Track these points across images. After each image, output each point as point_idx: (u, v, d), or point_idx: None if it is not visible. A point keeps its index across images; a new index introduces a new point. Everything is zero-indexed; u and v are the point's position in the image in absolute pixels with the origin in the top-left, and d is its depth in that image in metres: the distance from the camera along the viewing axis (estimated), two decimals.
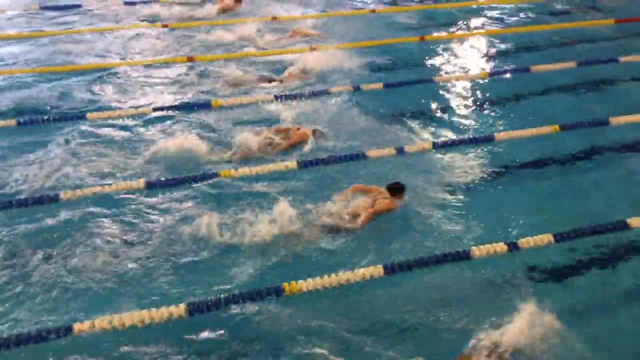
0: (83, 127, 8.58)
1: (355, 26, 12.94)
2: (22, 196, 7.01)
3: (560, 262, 6.26)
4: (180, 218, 6.74)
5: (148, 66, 10.85)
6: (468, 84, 10.53)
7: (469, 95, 10.18)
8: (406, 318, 5.49)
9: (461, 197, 7.22)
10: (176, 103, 9.41)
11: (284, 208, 6.59)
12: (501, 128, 8.95)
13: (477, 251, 6.21)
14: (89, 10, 13.96)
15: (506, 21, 13.93)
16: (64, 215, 6.71)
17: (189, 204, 6.98)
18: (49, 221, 6.60)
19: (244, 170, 7.57)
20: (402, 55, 11.58)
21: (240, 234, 6.43)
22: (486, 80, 10.67)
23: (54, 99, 9.47)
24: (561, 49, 12.11)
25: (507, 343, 5.02)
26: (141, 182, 7.25)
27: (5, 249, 6.21)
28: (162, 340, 5.20)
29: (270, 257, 6.17)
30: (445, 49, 12.23)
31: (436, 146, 8.31)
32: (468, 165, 7.94)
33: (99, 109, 9.18)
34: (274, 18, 13.62)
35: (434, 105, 9.71)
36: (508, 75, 10.90)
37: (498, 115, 9.47)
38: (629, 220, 6.74)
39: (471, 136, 8.66)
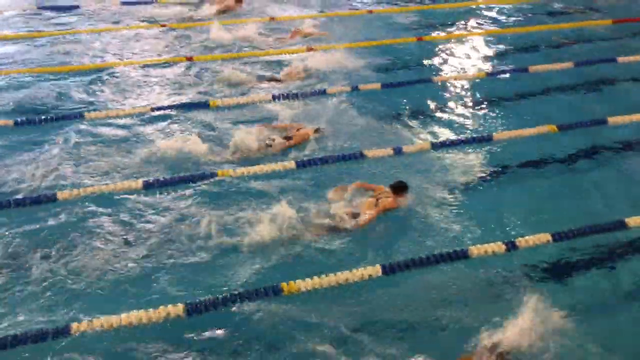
0: (81, 127, 8.57)
1: (353, 26, 12.94)
2: (20, 196, 7.00)
3: (558, 261, 6.26)
4: (178, 218, 6.73)
5: (146, 66, 10.84)
6: (466, 84, 10.53)
7: (467, 95, 10.18)
8: (404, 318, 5.49)
9: (459, 196, 7.22)
10: (174, 103, 9.41)
11: (282, 208, 6.58)
12: (499, 128, 8.95)
13: (475, 250, 6.22)
14: (87, 10, 13.94)
15: (504, 21, 13.94)
16: (61, 215, 6.70)
17: (187, 203, 6.97)
18: (47, 221, 6.60)
19: (242, 170, 7.57)
20: (400, 56, 11.58)
21: (239, 233, 6.43)
22: (484, 80, 10.67)
23: (52, 99, 9.46)
24: (559, 49, 12.13)
25: (507, 343, 5.02)
26: (139, 182, 7.25)
27: (3, 248, 6.20)
28: (160, 340, 5.20)
29: (268, 256, 6.16)
30: (443, 49, 12.23)
31: (434, 146, 8.31)
32: (466, 165, 7.94)
33: (97, 109, 9.17)
34: (272, 18, 13.62)
35: (432, 106, 9.72)
36: (506, 75, 10.90)
37: (496, 115, 9.47)
38: (627, 220, 6.75)
39: (469, 136, 8.66)
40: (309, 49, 11.64)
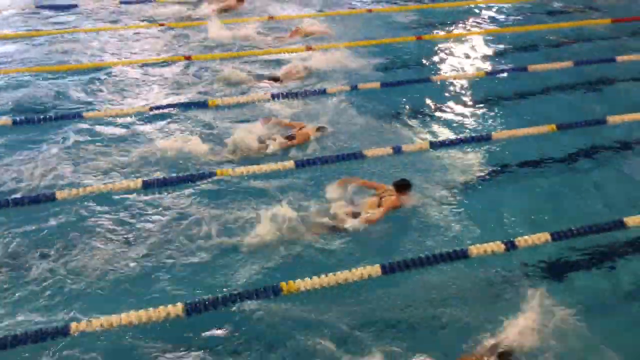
0: (80, 127, 8.56)
1: (353, 26, 12.92)
2: (19, 195, 6.98)
3: (557, 261, 6.27)
4: (178, 217, 6.72)
5: (145, 65, 10.82)
6: (465, 83, 10.53)
7: (466, 94, 10.18)
8: (404, 317, 5.50)
9: (458, 196, 7.22)
10: (173, 102, 9.39)
11: (281, 207, 6.58)
12: (498, 127, 8.95)
13: (475, 250, 6.22)
14: (85, 9, 13.92)
15: (503, 20, 13.93)
16: (60, 214, 6.69)
17: (186, 203, 6.97)
18: (46, 221, 6.59)
19: (241, 170, 7.56)
20: (399, 55, 11.57)
21: (238, 233, 6.42)
22: (483, 80, 10.67)
23: (51, 98, 9.44)
24: (558, 48, 12.12)
25: (506, 342, 5.02)
26: (138, 182, 7.24)
27: (2, 248, 6.19)
28: (159, 340, 5.20)
29: (268, 256, 6.16)
30: (442, 48, 12.23)
31: (433, 145, 8.31)
32: (465, 165, 7.95)
33: (96, 109, 9.15)
34: (271, 17, 13.60)
35: (431, 105, 9.71)
36: (505, 75, 10.90)
37: (495, 114, 9.48)
38: (625, 219, 6.75)
39: (468, 135, 8.66)
40: (308, 48, 11.63)
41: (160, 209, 6.87)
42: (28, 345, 5.05)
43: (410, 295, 5.75)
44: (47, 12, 13.75)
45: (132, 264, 6.02)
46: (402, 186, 6.91)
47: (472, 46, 12.30)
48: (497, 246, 6.29)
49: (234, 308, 5.49)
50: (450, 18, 13.98)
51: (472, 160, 8.08)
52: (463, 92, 10.26)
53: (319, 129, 8.37)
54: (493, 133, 8.68)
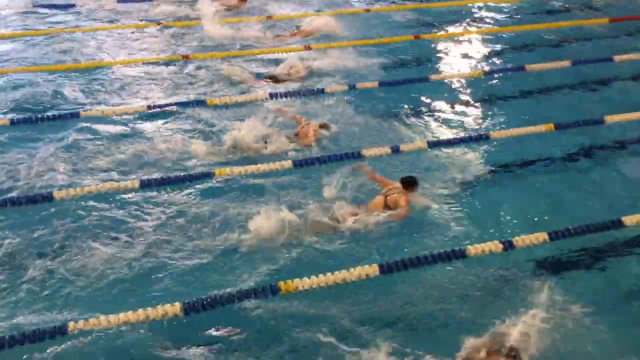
0: (77, 126, 8.54)
1: (351, 25, 12.91)
2: (16, 195, 6.97)
3: (555, 260, 6.27)
4: (176, 217, 6.72)
5: (143, 65, 10.81)
6: (463, 83, 10.53)
7: (464, 94, 10.18)
8: (401, 316, 5.51)
9: (456, 195, 7.22)
10: (171, 102, 9.38)
11: (279, 207, 6.58)
12: (496, 127, 8.96)
13: (473, 250, 6.22)
14: (83, 9, 13.89)
15: (501, 20, 13.93)
16: (58, 214, 6.68)
17: (184, 203, 6.96)
18: (43, 220, 6.58)
19: (240, 169, 7.55)
20: (397, 54, 11.57)
21: (236, 233, 6.41)
22: (481, 79, 10.67)
23: (48, 97, 9.42)
24: (556, 47, 12.14)
25: (506, 341, 5.03)
26: (136, 181, 7.23)
27: None
28: (157, 339, 5.19)
29: (267, 256, 6.16)
30: (440, 48, 12.23)
31: (431, 145, 8.31)
32: (463, 164, 7.95)
33: (94, 108, 9.13)
34: (270, 17, 13.59)
35: (429, 104, 9.71)
36: (503, 74, 10.90)
37: (493, 114, 9.48)
38: (624, 219, 6.76)
39: (466, 135, 8.66)
40: (307, 48, 11.63)
41: (158, 208, 6.86)
42: (26, 345, 5.04)
43: (408, 295, 5.76)
44: (44, 12, 13.72)
45: (129, 264, 6.01)
46: (409, 183, 6.90)
47: (470, 45, 12.31)
48: (495, 246, 6.29)
49: (232, 307, 5.49)
50: (448, 17, 13.97)
51: (470, 160, 8.09)
52: (461, 91, 10.27)
53: (322, 125, 8.36)
54: (491, 132, 8.69)
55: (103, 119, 8.79)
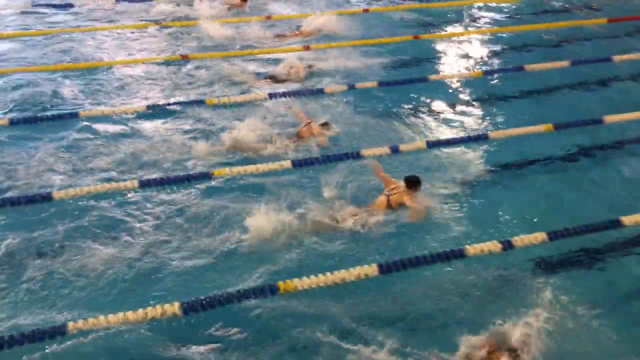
0: (76, 126, 8.55)
1: (350, 25, 12.92)
2: (15, 195, 6.97)
3: (554, 260, 6.28)
4: (174, 217, 6.72)
5: (142, 64, 10.82)
6: (462, 83, 10.54)
7: (464, 94, 10.19)
8: (400, 315, 5.51)
9: (455, 195, 7.22)
10: (171, 101, 9.39)
11: (278, 207, 6.58)
12: (495, 127, 8.97)
13: (472, 250, 6.22)
14: (82, 9, 13.90)
15: (500, 20, 13.95)
16: (57, 214, 6.68)
17: (183, 203, 6.96)
18: (42, 220, 6.58)
19: (238, 169, 7.55)
20: (396, 54, 11.57)
21: (236, 232, 6.42)
22: (480, 79, 10.68)
23: (47, 97, 9.43)
24: (555, 47, 12.15)
25: (505, 340, 5.04)
26: (135, 181, 7.22)
27: None
28: (156, 338, 5.19)
29: (266, 256, 6.16)
30: (439, 48, 12.24)
31: (430, 144, 8.31)
32: (462, 164, 7.96)
33: (93, 108, 9.14)
34: (269, 17, 13.60)
35: (428, 104, 9.72)
36: (502, 74, 10.91)
37: (492, 113, 9.49)
38: (622, 218, 6.76)
39: (465, 135, 8.67)
40: (306, 48, 11.63)
41: (157, 208, 6.86)
42: (25, 345, 5.04)
43: (407, 295, 5.76)
44: (43, 12, 13.73)
45: (129, 264, 6.01)
46: (413, 183, 6.90)
47: (469, 46, 12.32)
48: (495, 246, 6.29)
49: (231, 307, 5.49)
50: (447, 17, 14.00)
51: (470, 160, 8.09)
52: (460, 91, 10.27)
53: (323, 124, 8.37)
54: (490, 132, 8.70)
55: (102, 119, 8.79)
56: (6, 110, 9.00)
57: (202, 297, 5.51)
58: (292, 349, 5.16)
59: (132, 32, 12.47)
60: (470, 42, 12.49)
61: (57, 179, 7.32)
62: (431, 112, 9.48)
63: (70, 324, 5.19)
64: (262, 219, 6.45)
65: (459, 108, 9.63)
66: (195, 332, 5.30)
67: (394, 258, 6.09)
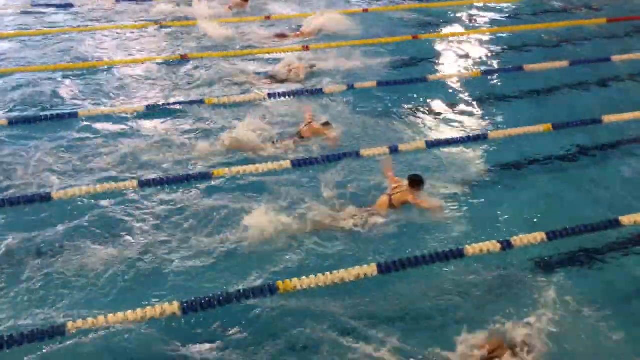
0: (76, 126, 8.55)
1: (349, 25, 12.91)
2: (14, 195, 6.97)
3: (553, 259, 6.28)
4: (174, 217, 6.72)
5: (141, 64, 10.82)
6: (462, 83, 10.54)
7: (463, 94, 10.19)
8: (399, 315, 5.52)
9: (455, 195, 7.23)
10: (170, 101, 9.39)
11: (278, 206, 6.59)
12: (495, 127, 8.97)
13: (471, 250, 6.22)
14: (81, 8, 13.89)
15: (499, 20, 13.95)
16: (56, 214, 6.69)
17: (183, 203, 6.96)
18: (41, 220, 6.59)
19: (238, 169, 7.56)
20: (395, 54, 11.57)
21: (235, 232, 6.42)
22: (479, 79, 10.68)
23: (47, 97, 9.44)
24: (554, 48, 12.16)
25: (504, 339, 5.05)
26: (134, 181, 7.23)
27: None
28: (156, 338, 5.20)
29: (265, 255, 6.16)
30: (438, 48, 12.25)
31: (430, 145, 8.32)
32: (462, 164, 7.96)
33: (92, 108, 9.14)
34: (268, 17, 13.60)
35: (427, 104, 9.72)
36: (501, 74, 10.91)
37: (491, 113, 9.49)
38: (621, 218, 6.77)
39: (465, 135, 8.67)
40: (305, 48, 11.64)
41: (157, 208, 6.87)
42: (24, 345, 5.04)
43: (406, 294, 5.76)
44: (43, 12, 13.72)
45: (128, 264, 6.02)
46: (416, 182, 6.91)
47: (468, 46, 12.32)
48: (494, 245, 6.30)
49: (230, 307, 5.49)
50: (446, 17, 14.00)
51: (469, 160, 8.10)
52: (459, 91, 10.28)
53: (324, 124, 8.38)
54: (489, 132, 8.70)
55: (102, 119, 8.80)
56: (5, 110, 9.01)
57: (202, 297, 5.52)
58: (292, 349, 5.17)
59: (132, 32, 12.48)
60: (469, 42, 12.50)
61: (56, 179, 7.33)
62: (430, 112, 9.48)
63: (70, 324, 5.20)
64: (261, 219, 6.45)
65: (458, 108, 9.63)
66: (195, 331, 5.31)
67: (392, 258, 6.09)
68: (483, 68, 11.17)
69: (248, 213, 6.60)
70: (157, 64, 10.85)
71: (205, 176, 7.41)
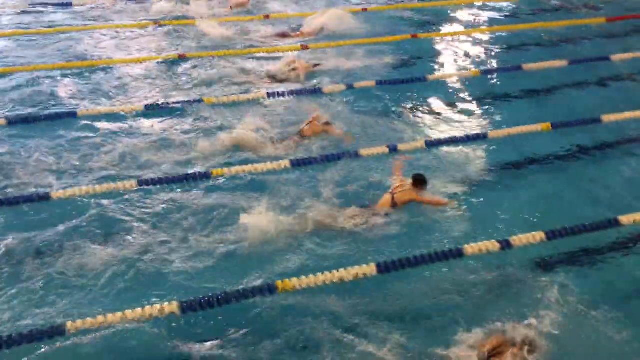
0: (75, 125, 8.55)
1: (348, 24, 12.91)
2: (13, 195, 6.96)
3: (552, 259, 6.28)
4: (173, 217, 6.72)
5: (140, 64, 10.82)
6: (461, 82, 10.54)
7: (462, 93, 10.20)
8: (398, 314, 5.51)
9: (453, 194, 7.22)
10: (168, 100, 9.39)
11: (277, 206, 6.59)
12: (494, 126, 8.97)
13: (470, 249, 6.22)
14: (80, 8, 13.89)
15: (498, 19, 13.96)
16: (55, 214, 6.68)
17: (182, 202, 6.96)
18: (41, 220, 6.58)
19: (237, 169, 7.55)
20: (394, 53, 11.58)
21: (234, 232, 6.42)
22: (479, 78, 10.68)
23: (46, 96, 9.44)
24: (553, 47, 12.16)
25: (504, 339, 5.05)
26: (134, 181, 7.22)
27: None
28: (155, 337, 5.20)
29: (264, 255, 6.16)
30: (437, 47, 12.25)
31: (429, 144, 8.31)
32: (461, 163, 7.96)
33: (91, 107, 9.14)
34: (267, 17, 13.59)
35: (427, 103, 9.72)
36: (500, 73, 10.91)
37: (490, 113, 9.49)
38: (620, 218, 6.77)
39: (464, 134, 8.67)
40: (304, 48, 11.64)
41: (156, 208, 6.87)
42: (24, 345, 5.03)
43: (405, 294, 5.76)
44: (41, 11, 13.72)
45: (127, 263, 6.01)
46: (420, 181, 6.93)
47: (467, 45, 12.33)
48: (493, 245, 6.30)
49: (229, 306, 5.49)
50: (445, 17, 14.01)
51: (468, 159, 8.10)
52: (459, 90, 10.28)
53: (325, 124, 8.38)
54: (489, 132, 8.70)
55: (101, 118, 8.80)
56: (4, 109, 9.00)
57: (201, 297, 5.52)
58: (291, 348, 5.16)
59: (131, 31, 12.47)
60: (468, 42, 12.50)
61: (55, 178, 7.32)
62: (430, 112, 9.48)
63: (69, 324, 5.19)
64: (261, 219, 6.45)
65: (458, 107, 9.63)
66: (194, 331, 5.30)
67: (392, 258, 6.09)
68: (482, 67, 11.17)
69: (247, 212, 6.60)
70: (157, 63, 10.84)
71: (204, 176, 7.41)
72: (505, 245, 6.31)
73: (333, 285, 5.75)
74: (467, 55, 11.78)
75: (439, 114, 9.41)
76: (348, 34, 12.44)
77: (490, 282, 5.93)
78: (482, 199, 7.23)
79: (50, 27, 12.65)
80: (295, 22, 13.25)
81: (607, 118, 9.07)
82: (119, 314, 5.30)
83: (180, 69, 10.63)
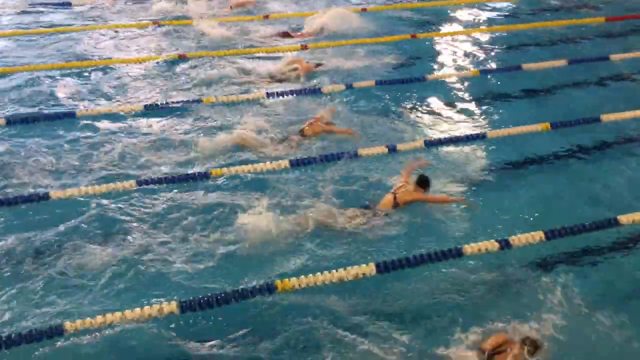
0: (74, 125, 8.54)
1: (348, 24, 12.91)
2: (12, 195, 6.96)
3: (551, 258, 6.28)
4: (172, 217, 6.71)
5: (140, 64, 10.81)
6: (460, 82, 10.54)
7: (461, 93, 10.20)
8: (397, 314, 5.51)
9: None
10: (168, 100, 9.38)
11: (277, 206, 6.58)
12: (493, 126, 8.97)
13: (469, 249, 6.22)
14: (79, 8, 13.89)
15: (498, 19, 13.97)
16: (54, 214, 6.68)
17: (181, 202, 6.95)
18: (40, 220, 6.57)
19: (236, 169, 7.55)
20: (394, 53, 11.58)
21: (233, 231, 6.41)
22: (478, 78, 10.68)
23: (44, 96, 9.44)
24: (552, 46, 12.16)
25: (504, 339, 5.05)
26: (133, 181, 7.22)
27: None
28: (154, 337, 5.19)
29: (263, 255, 6.16)
30: (437, 47, 12.25)
31: (428, 144, 8.31)
32: (460, 163, 7.96)
33: (90, 107, 9.14)
34: (266, 16, 13.59)
35: (426, 103, 9.72)
36: (500, 73, 10.92)
37: (490, 112, 9.50)
38: (620, 217, 6.76)
39: (463, 134, 8.67)
40: (304, 47, 11.64)
41: (155, 208, 6.86)
42: (22, 345, 5.03)
43: (405, 294, 5.76)
44: (41, 11, 13.72)
45: (126, 263, 6.01)
46: (423, 182, 6.94)
47: (466, 44, 12.33)
48: (492, 245, 6.29)
49: (228, 306, 5.48)
50: (444, 16, 14.01)
51: (467, 159, 8.09)
52: (458, 90, 10.28)
53: (326, 124, 8.38)
54: (488, 131, 8.70)
55: (100, 118, 8.79)
56: (4, 109, 9.00)
57: (200, 296, 5.51)
58: (291, 348, 5.16)
59: (131, 31, 12.47)
60: (468, 41, 12.50)
61: (54, 178, 7.32)
62: (429, 111, 9.48)
63: (68, 324, 5.18)
64: (261, 218, 6.44)
65: (457, 107, 9.63)
66: (193, 331, 5.30)
67: (391, 257, 6.08)
68: (482, 67, 11.17)
69: (247, 212, 6.60)
70: (156, 63, 10.84)
71: (204, 176, 7.41)
72: (505, 245, 6.31)
73: (333, 285, 5.74)
74: (466, 55, 11.78)
75: (438, 113, 9.41)
76: (348, 34, 12.44)
77: (490, 282, 5.93)
78: (481, 199, 7.22)
79: (49, 27, 12.65)
80: (295, 22, 13.25)
81: (607, 118, 9.07)
82: (118, 314, 5.29)
83: (179, 69, 10.63)
